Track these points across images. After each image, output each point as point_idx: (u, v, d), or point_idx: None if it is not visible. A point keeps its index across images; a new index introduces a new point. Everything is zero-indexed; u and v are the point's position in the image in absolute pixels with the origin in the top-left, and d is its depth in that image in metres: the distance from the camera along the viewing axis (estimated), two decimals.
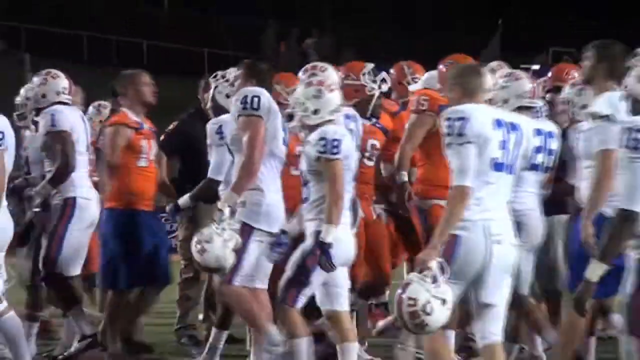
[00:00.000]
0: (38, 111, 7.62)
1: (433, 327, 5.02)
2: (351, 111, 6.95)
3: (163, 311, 8.99)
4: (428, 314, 4.98)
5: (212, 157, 7.08)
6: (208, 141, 7.14)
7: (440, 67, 7.40)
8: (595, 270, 4.74)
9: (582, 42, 6.84)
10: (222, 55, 22.14)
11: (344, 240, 6.20)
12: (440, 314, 5.00)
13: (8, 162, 6.45)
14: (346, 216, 6.25)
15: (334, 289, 6.33)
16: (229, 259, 6.32)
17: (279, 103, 6.88)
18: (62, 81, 7.69)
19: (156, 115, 7.67)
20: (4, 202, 6.49)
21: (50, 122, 7.39)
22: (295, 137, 6.92)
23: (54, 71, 7.78)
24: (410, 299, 4.97)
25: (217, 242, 6.28)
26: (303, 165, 6.34)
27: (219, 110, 7.25)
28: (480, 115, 5.20)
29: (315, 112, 6.33)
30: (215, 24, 27.49)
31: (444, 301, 4.99)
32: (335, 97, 6.42)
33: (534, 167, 6.61)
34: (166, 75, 16.83)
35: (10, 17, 24.70)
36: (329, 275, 6.19)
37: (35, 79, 7.81)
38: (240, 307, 6.55)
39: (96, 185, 7.72)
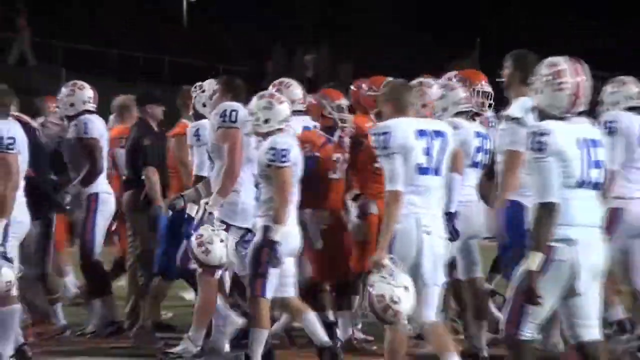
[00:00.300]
0: (69, 118, 8.41)
1: (405, 313, 5.67)
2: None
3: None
4: (397, 303, 5.61)
5: (194, 157, 7.81)
6: (188, 142, 7.89)
7: (352, 87, 8.22)
8: (534, 260, 4.99)
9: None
10: (233, 70, 24.64)
11: (290, 234, 6.79)
12: (406, 300, 5.64)
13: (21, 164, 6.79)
14: (293, 211, 6.86)
15: (283, 279, 6.85)
16: (229, 257, 6.99)
17: (323, 116, 7.75)
18: (88, 91, 8.48)
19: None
20: (23, 199, 6.86)
21: (83, 130, 8.24)
22: (336, 144, 7.74)
23: (80, 82, 8.48)
24: (378, 296, 5.62)
25: (217, 242, 6.88)
26: (256, 168, 6.96)
27: (199, 116, 7.91)
28: (401, 128, 5.82)
29: (266, 121, 6.87)
30: (228, 41, 31.30)
31: (406, 288, 5.63)
32: (284, 109, 6.96)
33: (474, 165, 7.03)
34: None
35: (48, 35, 27.06)
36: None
37: (64, 90, 8.43)
38: (207, 294, 7.23)
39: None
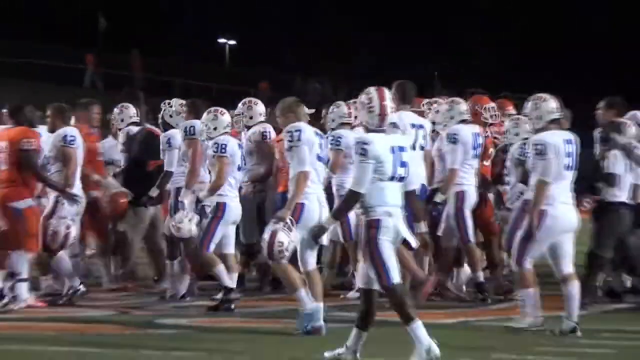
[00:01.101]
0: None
1: (288, 255, 8.75)
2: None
3: None
4: (287, 250, 8.70)
5: (165, 158, 11.46)
6: (161, 147, 11.53)
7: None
8: (329, 221, 8.01)
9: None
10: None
11: (233, 207, 10.46)
12: (292, 248, 8.74)
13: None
14: (234, 188, 10.54)
15: (225, 239, 10.50)
16: (195, 230, 10.50)
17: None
18: (132, 110, 12.22)
19: None
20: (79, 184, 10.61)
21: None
22: None
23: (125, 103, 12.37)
24: (279, 242, 8.64)
25: (186, 222, 10.57)
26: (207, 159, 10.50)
27: (167, 126, 11.68)
28: (305, 130, 9.08)
29: (215, 129, 10.48)
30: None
31: (293, 241, 8.72)
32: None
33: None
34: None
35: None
36: (226, 229, 10.48)
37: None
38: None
39: None
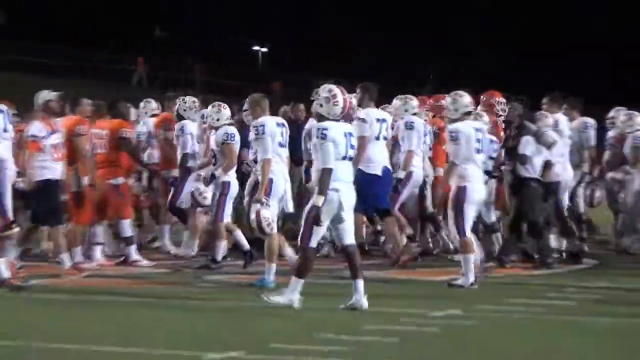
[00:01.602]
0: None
1: (274, 227, 10.20)
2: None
3: None
4: (272, 222, 10.14)
5: (179, 143, 13.19)
6: (175, 133, 13.27)
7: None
8: (318, 200, 8.77)
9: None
10: None
11: (234, 184, 11.87)
12: (274, 221, 10.22)
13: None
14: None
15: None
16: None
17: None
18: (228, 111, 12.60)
19: None
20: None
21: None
22: None
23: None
24: (264, 218, 10.00)
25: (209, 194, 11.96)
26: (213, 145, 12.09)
27: (181, 117, 13.28)
28: (268, 123, 10.56)
29: (218, 120, 12.04)
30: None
31: (274, 214, 10.29)
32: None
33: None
34: None
35: None
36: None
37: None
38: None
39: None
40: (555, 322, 8.53)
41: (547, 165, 12.60)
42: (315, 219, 8.73)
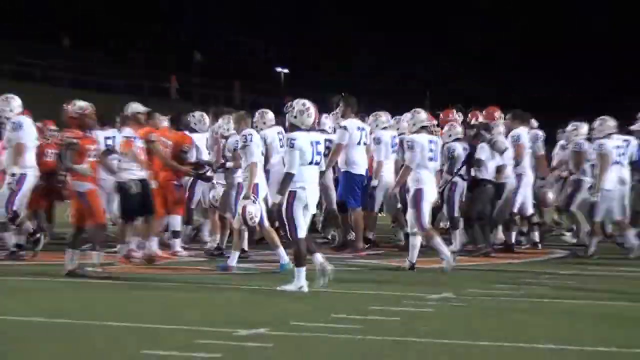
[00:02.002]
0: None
1: (257, 220, 11.99)
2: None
3: None
4: (256, 216, 11.95)
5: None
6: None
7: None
8: (275, 199, 10.70)
9: None
10: None
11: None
12: (259, 215, 12.04)
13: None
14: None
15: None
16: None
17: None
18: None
19: None
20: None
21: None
22: None
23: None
24: (249, 212, 11.82)
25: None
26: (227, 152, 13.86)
27: (192, 131, 15.26)
28: (256, 137, 12.65)
29: (228, 129, 13.98)
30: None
31: (259, 210, 12.03)
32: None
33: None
34: None
35: None
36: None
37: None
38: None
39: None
40: (532, 304, 9.84)
41: (499, 169, 14.63)
42: (288, 218, 10.52)
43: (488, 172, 14.53)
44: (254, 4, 71.73)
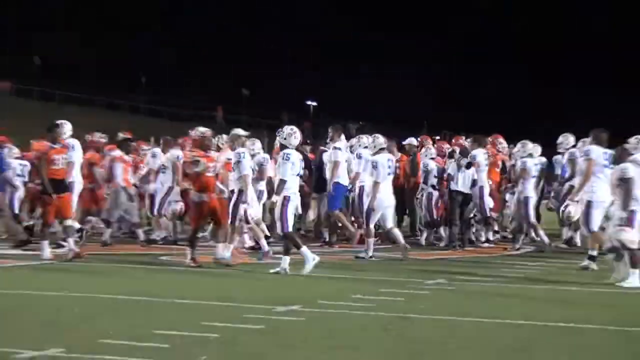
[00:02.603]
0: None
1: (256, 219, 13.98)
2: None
3: None
4: (255, 217, 13.85)
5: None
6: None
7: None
8: (274, 198, 12.14)
9: None
10: None
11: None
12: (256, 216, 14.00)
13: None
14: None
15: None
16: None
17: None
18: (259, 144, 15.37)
19: None
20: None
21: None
22: None
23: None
24: (249, 214, 13.51)
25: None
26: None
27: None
28: (246, 151, 13.82)
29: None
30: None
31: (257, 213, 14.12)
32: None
33: (297, 174, 12.28)
34: None
35: None
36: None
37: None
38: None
39: None
40: (508, 289, 10.89)
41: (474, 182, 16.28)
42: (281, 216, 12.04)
43: (457, 184, 16.04)
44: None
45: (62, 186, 13.60)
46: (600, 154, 12.57)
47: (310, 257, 11.94)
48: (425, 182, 16.93)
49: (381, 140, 14.77)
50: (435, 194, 16.81)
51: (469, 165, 15.94)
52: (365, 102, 71.49)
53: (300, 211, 13.46)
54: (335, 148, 16.37)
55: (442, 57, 77.66)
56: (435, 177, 16.71)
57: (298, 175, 12.24)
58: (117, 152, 16.27)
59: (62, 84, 63.40)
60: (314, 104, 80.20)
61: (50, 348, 6.81)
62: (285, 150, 12.15)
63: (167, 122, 58.39)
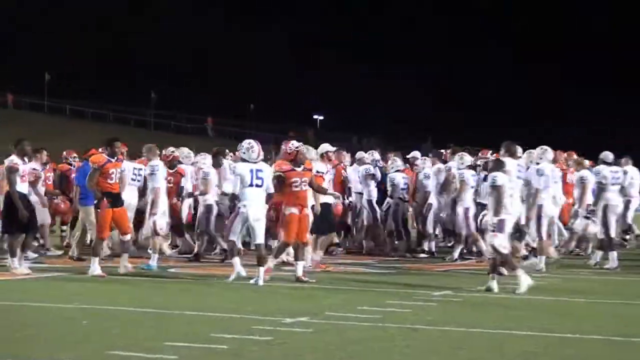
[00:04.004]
0: None
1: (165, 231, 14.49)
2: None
3: None
4: (164, 228, 14.22)
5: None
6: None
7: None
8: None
9: None
10: None
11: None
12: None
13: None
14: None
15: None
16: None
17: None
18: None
19: None
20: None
21: None
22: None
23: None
24: (159, 225, 13.89)
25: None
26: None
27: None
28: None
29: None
30: None
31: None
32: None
33: (252, 185, 12.24)
34: None
35: None
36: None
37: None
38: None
39: None
40: (512, 300, 10.85)
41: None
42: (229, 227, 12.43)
43: (480, 197, 15.72)
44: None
45: (118, 200, 13.37)
46: (514, 166, 13.06)
47: (238, 269, 12.20)
48: (391, 196, 17.14)
49: (399, 162, 16.62)
50: (403, 206, 17.14)
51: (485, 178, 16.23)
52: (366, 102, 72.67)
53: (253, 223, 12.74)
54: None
55: (442, 58, 77.72)
56: (402, 189, 17.03)
57: (253, 185, 12.12)
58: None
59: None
60: (321, 117, 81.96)
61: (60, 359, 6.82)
62: (234, 164, 12.66)
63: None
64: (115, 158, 13.42)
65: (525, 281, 11.29)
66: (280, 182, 12.60)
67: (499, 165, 11.98)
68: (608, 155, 15.96)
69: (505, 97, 74.47)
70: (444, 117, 67.52)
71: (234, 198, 12.68)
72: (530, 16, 79.46)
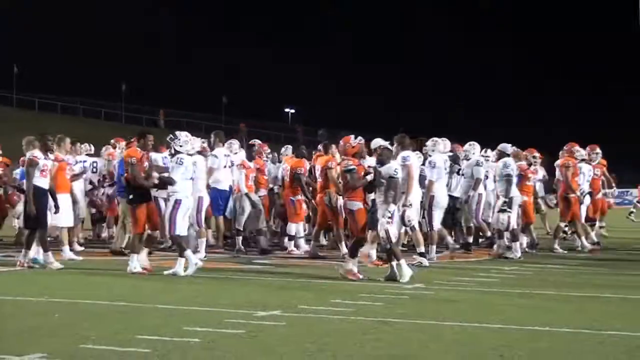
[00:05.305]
0: None
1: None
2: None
3: None
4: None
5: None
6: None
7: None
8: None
9: None
10: None
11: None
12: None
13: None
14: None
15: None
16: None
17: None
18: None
19: None
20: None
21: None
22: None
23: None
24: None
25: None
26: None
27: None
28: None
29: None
30: None
31: None
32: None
33: (190, 178, 12.81)
34: None
35: None
36: None
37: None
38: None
39: None
40: (483, 292, 10.99)
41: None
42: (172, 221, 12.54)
43: (450, 189, 16.16)
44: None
45: (148, 195, 13.06)
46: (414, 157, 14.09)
47: (193, 261, 12.40)
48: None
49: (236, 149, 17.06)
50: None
51: (458, 171, 16.31)
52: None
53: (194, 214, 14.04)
54: (213, 155, 16.32)
55: (444, 58, 77.91)
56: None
57: (190, 178, 12.62)
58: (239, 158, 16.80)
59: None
60: (292, 110, 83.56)
61: (31, 354, 6.73)
62: (179, 155, 12.61)
63: None
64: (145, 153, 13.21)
65: (407, 272, 11.65)
66: (352, 176, 12.02)
67: (386, 155, 12.08)
68: (507, 147, 16.20)
69: (506, 97, 74.79)
70: (445, 117, 67.68)
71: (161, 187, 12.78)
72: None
